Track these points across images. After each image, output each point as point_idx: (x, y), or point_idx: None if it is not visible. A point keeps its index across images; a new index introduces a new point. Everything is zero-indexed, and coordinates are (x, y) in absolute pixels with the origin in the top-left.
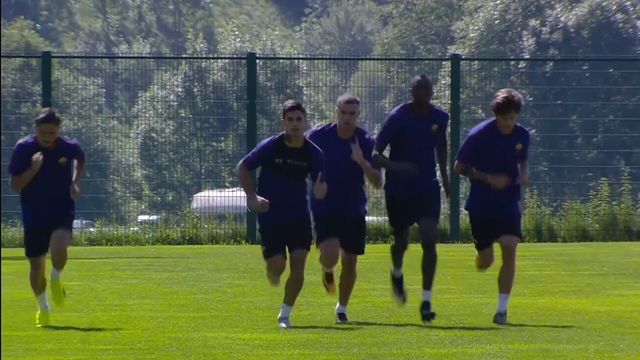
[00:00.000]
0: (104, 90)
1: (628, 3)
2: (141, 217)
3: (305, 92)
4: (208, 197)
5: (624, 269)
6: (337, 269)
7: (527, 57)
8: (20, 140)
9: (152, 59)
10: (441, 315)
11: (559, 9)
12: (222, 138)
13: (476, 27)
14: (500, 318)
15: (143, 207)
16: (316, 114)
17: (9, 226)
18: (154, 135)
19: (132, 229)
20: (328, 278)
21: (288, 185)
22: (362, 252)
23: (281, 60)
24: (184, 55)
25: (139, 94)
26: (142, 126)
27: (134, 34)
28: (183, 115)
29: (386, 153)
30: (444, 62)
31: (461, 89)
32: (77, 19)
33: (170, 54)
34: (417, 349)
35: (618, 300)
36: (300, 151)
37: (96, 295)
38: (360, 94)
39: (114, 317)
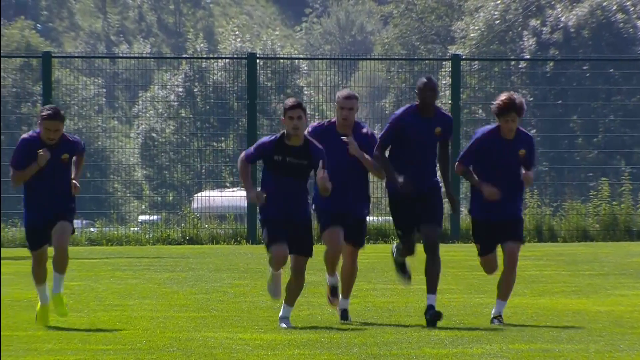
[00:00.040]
0: (104, 90)
1: (628, 3)
2: (142, 217)
3: (305, 92)
4: (208, 197)
5: (625, 269)
6: (337, 270)
7: (528, 57)
8: (24, 135)
9: (152, 59)
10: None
11: (559, 9)
12: (223, 138)
13: (477, 27)
14: (495, 321)
15: (143, 207)
16: (316, 114)
17: (9, 226)
18: (155, 135)
19: (132, 229)
20: (333, 292)
21: (288, 184)
22: (362, 245)
23: (281, 60)
24: (184, 55)
25: (140, 94)
26: (143, 126)
27: (134, 34)
28: (183, 115)
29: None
30: (444, 62)
31: (461, 89)
32: (78, 19)
33: (170, 54)
34: (417, 349)
35: (618, 300)
36: (300, 149)
37: (97, 295)
38: (360, 94)
39: (115, 317)
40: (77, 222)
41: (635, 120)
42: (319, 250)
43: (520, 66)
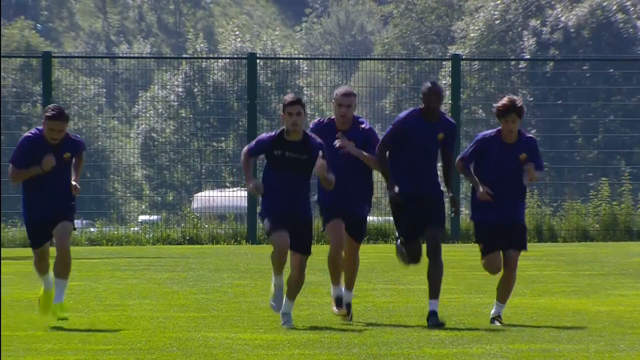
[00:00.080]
0: (104, 90)
1: (628, 3)
2: (142, 217)
3: (305, 92)
4: (208, 197)
5: (625, 269)
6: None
7: (528, 57)
8: (27, 134)
9: (152, 59)
10: (441, 316)
11: (559, 9)
12: (223, 138)
13: (477, 27)
14: (495, 321)
15: (143, 207)
16: (316, 114)
17: (9, 226)
18: (155, 135)
19: (132, 229)
20: (338, 303)
21: (289, 179)
22: (361, 241)
23: (281, 60)
24: (184, 55)
25: (140, 94)
26: (143, 126)
27: (134, 34)
28: (183, 115)
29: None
30: (444, 62)
31: (461, 89)
32: (78, 19)
33: (170, 54)
34: (417, 349)
35: (618, 300)
36: (299, 144)
37: (97, 295)
38: (360, 94)
39: (115, 317)
40: (77, 222)
41: (635, 120)
42: (320, 250)
43: (520, 66)
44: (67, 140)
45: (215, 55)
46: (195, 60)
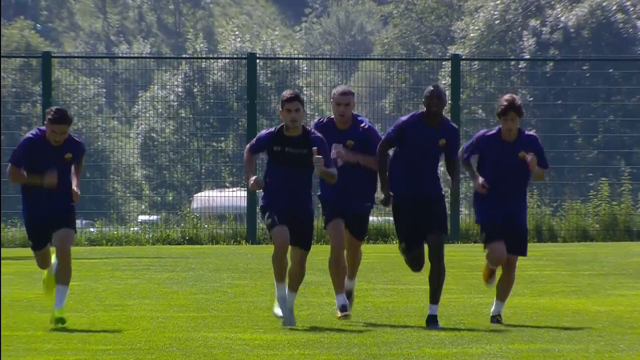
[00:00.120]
0: (104, 90)
1: (628, 3)
2: (141, 217)
3: (305, 92)
4: (208, 197)
5: (624, 269)
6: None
7: (528, 57)
8: (29, 134)
9: (152, 59)
10: (441, 316)
11: (559, 9)
12: (222, 138)
13: (476, 27)
14: (494, 320)
15: (143, 207)
16: (316, 113)
17: (9, 226)
18: (154, 135)
19: (132, 229)
20: (342, 310)
21: (290, 174)
22: (363, 239)
23: (281, 60)
24: (184, 56)
25: (139, 94)
26: (142, 126)
27: (134, 34)
28: (183, 115)
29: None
30: (444, 62)
31: (461, 89)
32: (78, 19)
33: (170, 54)
34: (417, 349)
35: (618, 300)
36: (299, 139)
37: (96, 295)
38: (360, 94)
39: (114, 317)
40: (77, 222)
41: (635, 120)
42: (320, 250)
43: (520, 66)
44: (68, 141)
45: (215, 55)
46: (195, 60)
